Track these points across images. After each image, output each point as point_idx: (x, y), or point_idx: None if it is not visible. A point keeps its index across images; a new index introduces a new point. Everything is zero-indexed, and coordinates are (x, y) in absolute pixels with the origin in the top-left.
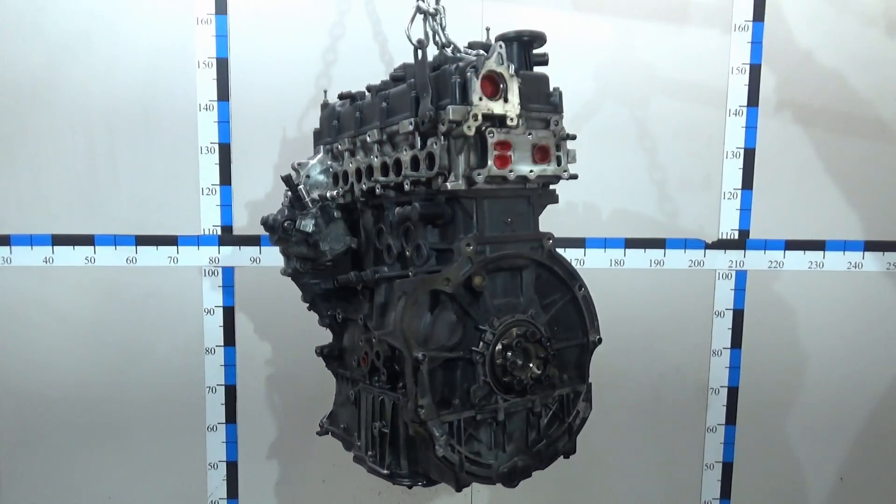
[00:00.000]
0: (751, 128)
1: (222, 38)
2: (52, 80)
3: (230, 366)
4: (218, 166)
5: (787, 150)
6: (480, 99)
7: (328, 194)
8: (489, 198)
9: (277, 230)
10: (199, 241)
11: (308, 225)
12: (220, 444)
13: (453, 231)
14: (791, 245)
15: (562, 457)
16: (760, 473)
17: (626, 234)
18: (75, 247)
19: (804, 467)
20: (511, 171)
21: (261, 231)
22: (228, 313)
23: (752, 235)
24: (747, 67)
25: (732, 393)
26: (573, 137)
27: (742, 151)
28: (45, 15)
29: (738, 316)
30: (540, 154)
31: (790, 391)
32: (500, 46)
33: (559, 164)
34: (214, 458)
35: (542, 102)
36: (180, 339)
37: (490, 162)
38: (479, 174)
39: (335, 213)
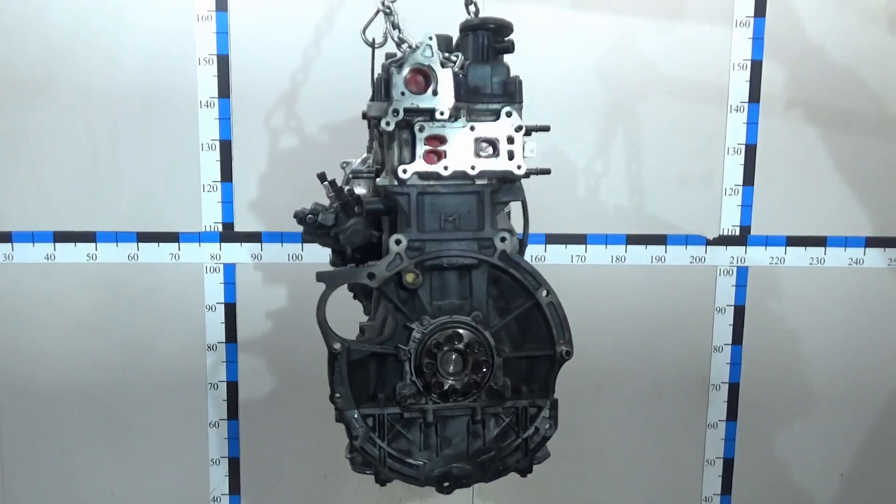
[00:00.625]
0: (752, 124)
1: (223, 34)
2: (53, 77)
3: (232, 362)
4: (219, 163)
5: (789, 146)
6: (403, 94)
7: (345, 189)
8: (427, 194)
9: (302, 223)
10: (200, 237)
11: (328, 219)
12: (222, 440)
13: (397, 227)
14: (792, 241)
15: (517, 474)
16: (761, 470)
17: (627, 231)
18: (77, 243)
19: (805, 463)
20: (445, 168)
21: (262, 228)
22: (230, 310)
23: (753, 231)
24: (748, 63)
25: (733, 389)
26: (545, 129)
27: (743, 148)
28: (45, 11)
29: (739, 312)
30: (485, 148)
31: (791, 387)
32: (430, 39)
33: (511, 158)
34: (216, 454)
35: (497, 93)
36: (182, 336)
37: (419, 157)
38: (405, 170)
39: (356, 209)
